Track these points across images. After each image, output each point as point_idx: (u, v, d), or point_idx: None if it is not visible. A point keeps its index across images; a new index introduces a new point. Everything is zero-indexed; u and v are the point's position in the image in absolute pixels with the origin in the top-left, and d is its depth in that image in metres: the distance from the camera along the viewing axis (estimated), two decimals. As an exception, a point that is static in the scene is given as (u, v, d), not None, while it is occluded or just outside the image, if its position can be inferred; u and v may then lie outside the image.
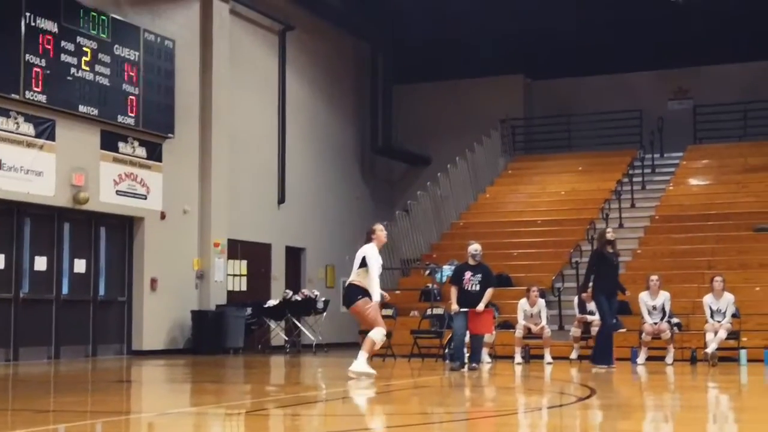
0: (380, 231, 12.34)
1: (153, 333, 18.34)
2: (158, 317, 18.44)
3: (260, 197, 21.55)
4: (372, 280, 11.94)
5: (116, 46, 17.63)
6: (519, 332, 16.23)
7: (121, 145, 17.80)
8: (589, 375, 13.55)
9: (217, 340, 18.44)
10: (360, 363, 11.90)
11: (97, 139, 17.36)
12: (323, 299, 19.92)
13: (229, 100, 20.21)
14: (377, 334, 12.00)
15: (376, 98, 25.33)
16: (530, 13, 23.68)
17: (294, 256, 22.75)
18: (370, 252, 12.03)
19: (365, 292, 11.97)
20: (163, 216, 18.62)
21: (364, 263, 12.01)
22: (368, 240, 12.23)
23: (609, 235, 14.97)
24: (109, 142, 17.55)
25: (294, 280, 22.36)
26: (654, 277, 16.01)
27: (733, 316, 15.73)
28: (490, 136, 25.54)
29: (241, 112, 20.82)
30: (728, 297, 15.68)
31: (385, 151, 25.62)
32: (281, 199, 22.15)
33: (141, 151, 18.21)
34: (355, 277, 12.05)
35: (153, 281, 18.38)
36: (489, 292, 14.08)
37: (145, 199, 18.28)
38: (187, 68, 19.35)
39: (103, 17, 17.41)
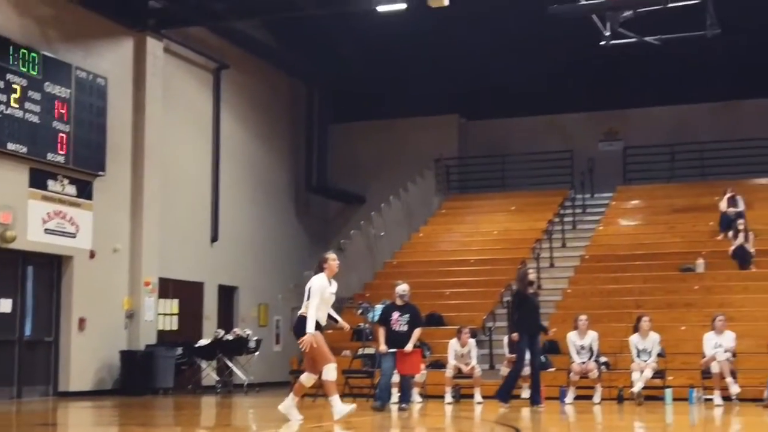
0: (332, 260, 12.03)
1: (80, 374, 18.05)
2: (86, 357, 18.16)
3: (193, 235, 21.41)
4: (309, 311, 11.63)
5: (47, 83, 17.48)
6: (449, 372, 16.31)
7: (50, 183, 17.60)
8: (519, 415, 13.64)
9: (146, 380, 18.22)
10: (338, 408, 11.63)
11: (25, 176, 17.14)
12: (255, 338, 19.81)
13: (162, 138, 20.10)
14: (331, 373, 11.72)
15: (312, 137, 25.42)
16: (465, 55, 24.04)
17: (227, 294, 22.61)
18: (316, 283, 11.74)
19: (317, 324, 11.72)
20: (92, 255, 18.40)
21: None
22: (319, 269, 11.92)
23: (531, 276, 15.16)
24: (38, 180, 17.34)
25: (227, 319, 22.21)
26: (582, 317, 16.25)
27: (659, 355, 15.99)
28: (424, 175, 25.73)
29: (174, 150, 20.72)
30: (654, 336, 15.95)
31: (319, 189, 25.67)
32: (214, 238, 22.05)
33: (71, 189, 18.02)
34: (304, 308, 11.77)
35: (81, 321, 18.11)
36: (417, 332, 14.14)
37: (75, 237, 18.06)
38: (120, 106, 19.23)
39: (34, 54, 17.26)
